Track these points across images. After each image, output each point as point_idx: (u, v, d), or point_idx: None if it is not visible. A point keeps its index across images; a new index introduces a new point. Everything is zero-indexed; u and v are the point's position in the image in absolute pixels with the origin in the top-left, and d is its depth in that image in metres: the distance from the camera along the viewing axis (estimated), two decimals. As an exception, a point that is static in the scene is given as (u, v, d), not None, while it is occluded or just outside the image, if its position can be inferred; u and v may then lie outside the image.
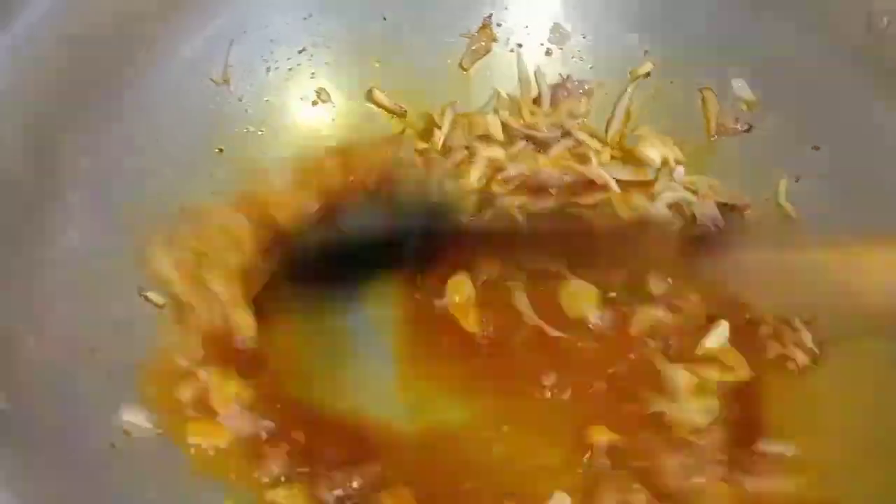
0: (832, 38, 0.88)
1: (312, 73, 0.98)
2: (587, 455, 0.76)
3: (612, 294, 0.86)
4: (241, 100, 0.94)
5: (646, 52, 1.00)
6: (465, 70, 1.01)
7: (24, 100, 0.74)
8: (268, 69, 0.95)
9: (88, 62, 0.80)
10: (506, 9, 1.00)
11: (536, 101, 1.00)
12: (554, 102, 1.00)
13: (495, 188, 0.94)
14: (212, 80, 0.92)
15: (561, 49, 1.01)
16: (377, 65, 0.99)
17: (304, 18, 0.95)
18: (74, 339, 0.75)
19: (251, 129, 0.94)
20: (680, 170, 0.96)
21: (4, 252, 0.70)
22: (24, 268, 0.72)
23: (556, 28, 1.01)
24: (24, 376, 0.68)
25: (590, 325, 0.85)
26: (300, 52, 0.96)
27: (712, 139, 0.97)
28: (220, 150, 0.92)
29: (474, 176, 0.94)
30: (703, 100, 0.98)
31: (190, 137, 0.90)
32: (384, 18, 0.97)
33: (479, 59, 1.01)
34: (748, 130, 0.96)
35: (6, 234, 0.72)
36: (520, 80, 1.01)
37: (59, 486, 0.63)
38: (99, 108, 0.82)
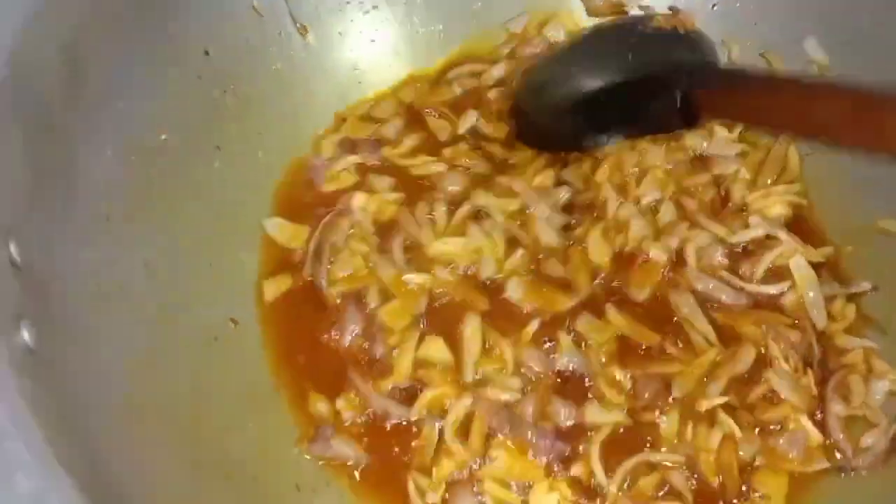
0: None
1: None
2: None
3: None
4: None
5: (714, 5, 0.94)
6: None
7: (62, 16, 0.68)
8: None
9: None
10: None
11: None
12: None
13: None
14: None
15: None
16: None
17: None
18: (108, 284, 0.71)
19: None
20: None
21: (38, 182, 0.65)
22: (56, 199, 0.67)
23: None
24: (56, 315, 0.63)
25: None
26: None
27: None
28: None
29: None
30: (769, 62, 0.93)
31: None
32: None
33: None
34: (822, 96, 0.90)
35: (40, 164, 0.67)
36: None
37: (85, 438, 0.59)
38: (137, 30, 0.77)
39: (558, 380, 0.79)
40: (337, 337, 0.81)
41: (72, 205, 0.70)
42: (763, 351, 0.79)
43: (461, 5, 0.97)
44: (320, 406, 0.78)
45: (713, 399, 0.76)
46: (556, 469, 0.76)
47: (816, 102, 0.68)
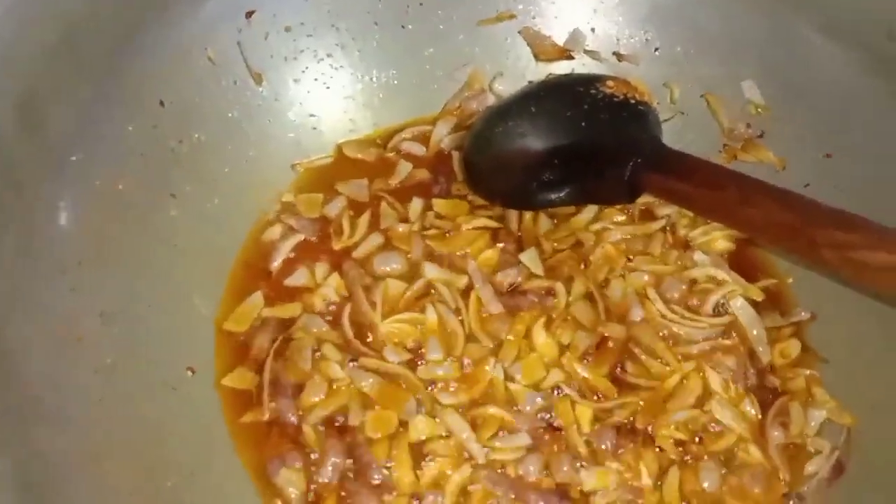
0: (851, 44, 0.86)
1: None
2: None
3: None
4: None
5: (656, 49, 0.98)
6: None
7: (16, 72, 0.70)
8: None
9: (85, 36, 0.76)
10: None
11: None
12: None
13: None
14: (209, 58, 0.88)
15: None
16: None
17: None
18: (66, 323, 0.72)
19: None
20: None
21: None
22: (14, 251, 0.68)
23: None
24: (9, 368, 0.63)
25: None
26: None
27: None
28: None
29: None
30: (709, 103, 0.97)
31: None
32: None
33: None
34: (761, 136, 0.94)
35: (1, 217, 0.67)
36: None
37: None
38: (92, 82, 0.78)
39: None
40: (323, 480, 0.77)
41: (26, 256, 0.70)
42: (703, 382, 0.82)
43: (413, 52, 0.99)
44: None
45: (672, 431, 0.79)
46: None
47: (755, 209, 0.72)
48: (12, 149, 0.70)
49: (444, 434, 0.78)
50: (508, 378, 0.82)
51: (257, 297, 0.87)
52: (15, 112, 0.70)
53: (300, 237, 0.90)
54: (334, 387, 0.81)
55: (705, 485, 0.78)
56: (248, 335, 0.85)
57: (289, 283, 0.88)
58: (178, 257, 0.85)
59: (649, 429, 0.80)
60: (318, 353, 0.82)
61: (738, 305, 0.87)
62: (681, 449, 0.80)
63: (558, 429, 0.80)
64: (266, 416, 0.80)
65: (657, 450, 0.79)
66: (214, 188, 0.89)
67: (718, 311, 0.88)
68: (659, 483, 0.78)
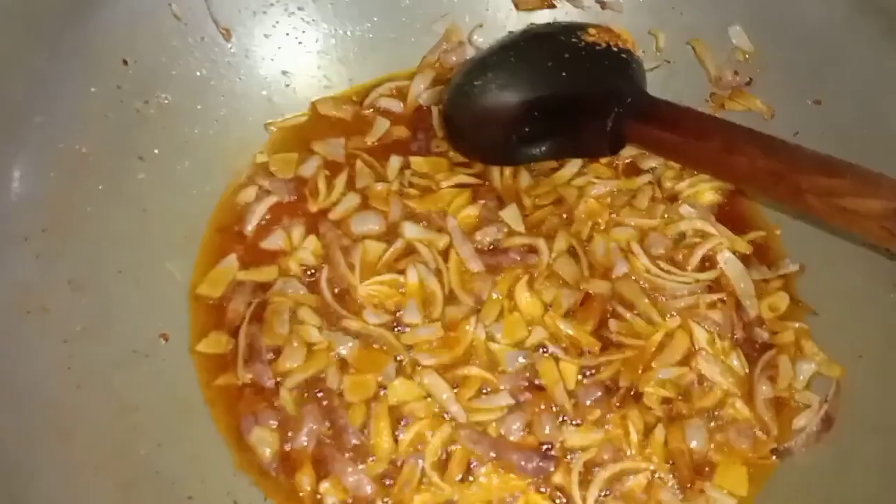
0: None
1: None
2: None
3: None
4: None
5: (640, -5, 0.95)
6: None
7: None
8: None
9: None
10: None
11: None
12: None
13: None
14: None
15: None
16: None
17: None
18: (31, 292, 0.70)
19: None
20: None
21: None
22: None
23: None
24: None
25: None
26: None
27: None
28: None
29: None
30: (695, 51, 0.93)
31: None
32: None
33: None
34: (749, 84, 0.91)
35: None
36: None
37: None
38: (50, 43, 0.75)
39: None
40: (298, 446, 0.75)
41: (-14, 225, 0.68)
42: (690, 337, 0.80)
43: (389, 4, 0.95)
44: (305, 482, 0.75)
45: (657, 389, 0.77)
46: (540, 487, 0.75)
47: (739, 156, 0.70)
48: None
49: (423, 395, 0.77)
50: (489, 338, 0.80)
51: (231, 261, 0.84)
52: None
53: (274, 199, 0.88)
54: (313, 349, 0.79)
55: (693, 444, 0.77)
56: (223, 299, 0.83)
57: (265, 245, 0.86)
58: (149, 222, 0.83)
59: (635, 387, 0.78)
60: (294, 317, 0.80)
61: (726, 258, 0.85)
62: (668, 406, 0.78)
63: (541, 388, 0.78)
64: (241, 381, 0.78)
65: (644, 408, 0.78)
66: (184, 150, 0.87)
67: (706, 265, 0.85)
68: (644, 440, 0.77)
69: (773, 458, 0.77)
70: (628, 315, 0.81)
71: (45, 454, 0.63)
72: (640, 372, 0.79)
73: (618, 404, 0.78)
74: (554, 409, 0.77)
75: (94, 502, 0.64)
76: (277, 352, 0.79)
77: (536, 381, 0.78)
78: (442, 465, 0.75)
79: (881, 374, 0.77)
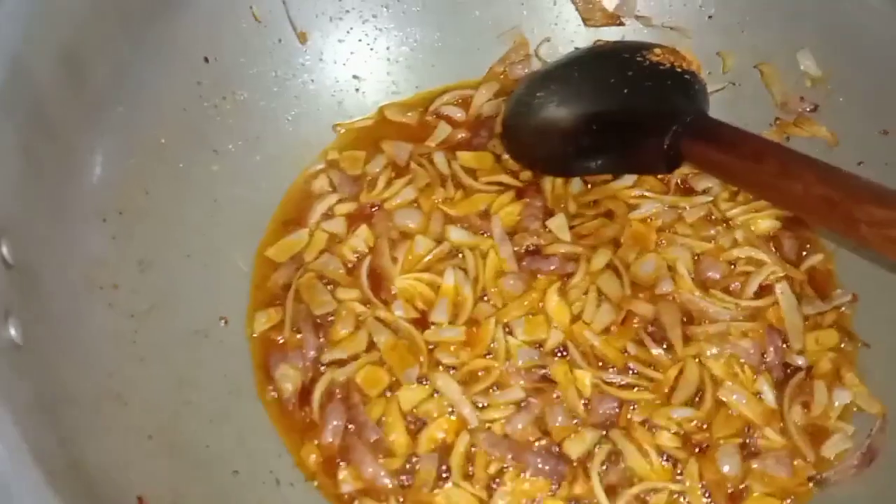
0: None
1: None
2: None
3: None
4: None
5: (710, 16, 0.95)
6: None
7: (60, 25, 0.72)
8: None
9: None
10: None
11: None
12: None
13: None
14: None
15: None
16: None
17: None
18: (104, 269, 0.75)
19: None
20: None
21: (31, 182, 0.68)
22: (50, 198, 0.70)
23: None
24: (44, 310, 0.67)
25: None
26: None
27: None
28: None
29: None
30: (762, 74, 0.93)
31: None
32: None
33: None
34: (814, 110, 0.90)
35: (36, 164, 0.70)
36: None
37: (63, 428, 0.61)
38: (136, 37, 0.80)
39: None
40: (323, 440, 0.79)
41: (67, 205, 0.73)
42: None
43: (459, 15, 0.98)
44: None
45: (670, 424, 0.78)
46: (556, 489, 0.76)
47: (795, 181, 0.69)
48: (56, 101, 0.72)
49: (436, 398, 0.79)
50: (508, 332, 0.82)
51: (303, 234, 0.89)
52: (59, 65, 0.72)
53: (336, 198, 0.91)
54: (360, 319, 0.83)
55: (725, 469, 0.76)
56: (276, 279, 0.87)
57: (325, 226, 0.90)
58: (218, 212, 0.87)
59: (648, 421, 0.79)
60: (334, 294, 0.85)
61: (780, 290, 0.84)
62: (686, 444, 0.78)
63: (553, 381, 0.79)
64: (287, 334, 0.83)
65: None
66: (256, 145, 0.91)
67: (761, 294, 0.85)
68: (679, 473, 0.77)
69: (811, 485, 0.77)
70: (654, 349, 0.81)
71: (103, 420, 0.67)
72: (651, 412, 0.79)
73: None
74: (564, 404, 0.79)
75: (145, 466, 0.68)
76: (321, 326, 0.83)
77: (548, 376, 0.80)
78: (467, 471, 0.77)
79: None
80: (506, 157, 0.93)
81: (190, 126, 0.86)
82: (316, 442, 0.78)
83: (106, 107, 0.78)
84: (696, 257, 0.86)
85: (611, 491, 0.76)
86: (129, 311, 0.77)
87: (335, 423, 0.79)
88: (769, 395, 0.79)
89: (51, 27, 0.71)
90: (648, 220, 0.88)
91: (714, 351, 0.80)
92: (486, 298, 0.84)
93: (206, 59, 0.87)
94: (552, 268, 0.84)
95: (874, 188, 0.66)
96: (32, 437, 0.56)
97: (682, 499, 0.76)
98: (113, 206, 0.78)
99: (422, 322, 0.83)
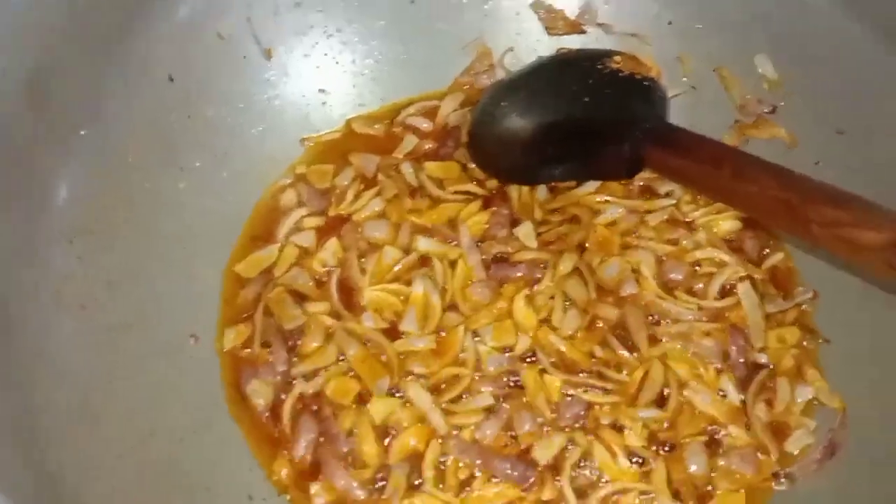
0: (867, 15, 0.83)
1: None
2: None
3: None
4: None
5: (669, 22, 0.96)
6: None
7: (25, 49, 0.73)
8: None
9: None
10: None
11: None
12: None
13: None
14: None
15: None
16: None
17: None
18: (70, 299, 0.75)
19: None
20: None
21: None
22: (16, 220, 0.71)
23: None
24: (13, 329, 0.67)
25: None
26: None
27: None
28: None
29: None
30: (721, 78, 0.95)
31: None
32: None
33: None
34: (773, 112, 0.92)
35: (2, 185, 0.71)
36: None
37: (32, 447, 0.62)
38: (101, 58, 0.81)
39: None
40: (295, 454, 0.79)
41: (33, 225, 0.74)
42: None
43: (422, 28, 0.99)
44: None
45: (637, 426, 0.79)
46: (525, 494, 0.77)
47: (751, 184, 0.71)
48: (22, 123, 0.73)
49: (406, 407, 0.80)
50: (476, 339, 0.83)
51: (273, 249, 0.90)
52: (24, 88, 0.73)
53: (305, 211, 0.92)
54: (330, 332, 0.83)
55: (692, 468, 0.77)
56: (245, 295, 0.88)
57: (294, 240, 0.90)
58: (187, 229, 0.88)
59: (616, 422, 0.80)
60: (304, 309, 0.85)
61: (743, 290, 0.85)
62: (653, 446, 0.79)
63: (522, 387, 0.80)
64: (256, 349, 0.83)
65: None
66: (223, 162, 0.92)
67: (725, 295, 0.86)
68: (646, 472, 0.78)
69: (774, 481, 0.78)
70: (620, 352, 0.82)
71: (73, 438, 0.68)
72: (618, 414, 0.80)
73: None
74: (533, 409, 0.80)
75: (116, 483, 0.69)
76: (291, 338, 0.84)
77: (518, 382, 0.81)
78: (439, 479, 0.78)
79: (891, 407, 0.77)
80: (472, 166, 0.94)
81: (156, 145, 0.86)
82: (288, 456, 0.79)
83: (71, 128, 0.79)
84: (660, 260, 0.88)
85: (580, 494, 0.77)
86: (98, 330, 0.77)
87: (308, 435, 0.79)
88: (733, 394, 0.80)
89: (16, 53, 0.72)
90: (613, 225, 0.89)
91: (678, 348, 0.82)
92: (455, 307, 0.85)
93: (172, 78, 0.87)
94: (519, 274, 0.86)
95: (826, 189, 0.68)
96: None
97: (651, 499, 0.77)
98: (79, 227, 0.79)
99: (392, 332, 0.84)
